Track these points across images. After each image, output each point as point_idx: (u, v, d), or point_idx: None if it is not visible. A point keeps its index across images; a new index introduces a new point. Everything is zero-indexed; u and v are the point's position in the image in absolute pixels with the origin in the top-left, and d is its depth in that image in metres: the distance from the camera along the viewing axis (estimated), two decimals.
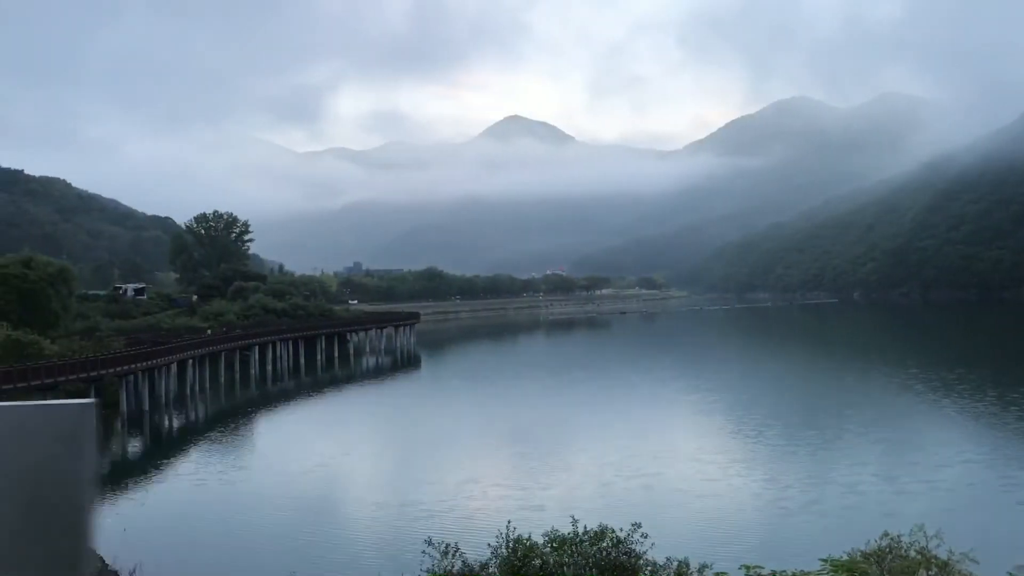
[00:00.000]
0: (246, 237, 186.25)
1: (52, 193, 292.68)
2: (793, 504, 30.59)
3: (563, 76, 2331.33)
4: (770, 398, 63.94)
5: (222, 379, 79.46)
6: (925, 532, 17.73)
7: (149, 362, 59.09)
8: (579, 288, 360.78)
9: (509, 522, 16.99)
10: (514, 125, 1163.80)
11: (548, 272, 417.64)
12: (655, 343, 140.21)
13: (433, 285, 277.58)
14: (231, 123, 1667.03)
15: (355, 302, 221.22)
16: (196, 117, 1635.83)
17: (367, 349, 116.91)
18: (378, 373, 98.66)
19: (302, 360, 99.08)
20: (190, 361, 72.42)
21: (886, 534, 17.86)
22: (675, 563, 16.87)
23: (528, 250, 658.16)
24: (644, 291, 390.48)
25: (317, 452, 45.12)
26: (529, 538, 16.82)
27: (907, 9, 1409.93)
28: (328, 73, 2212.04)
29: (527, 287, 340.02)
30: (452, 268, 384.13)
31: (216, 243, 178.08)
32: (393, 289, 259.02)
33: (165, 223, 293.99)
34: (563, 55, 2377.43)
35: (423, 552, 17.43)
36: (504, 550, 16.65)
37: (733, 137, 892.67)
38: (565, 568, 16.46)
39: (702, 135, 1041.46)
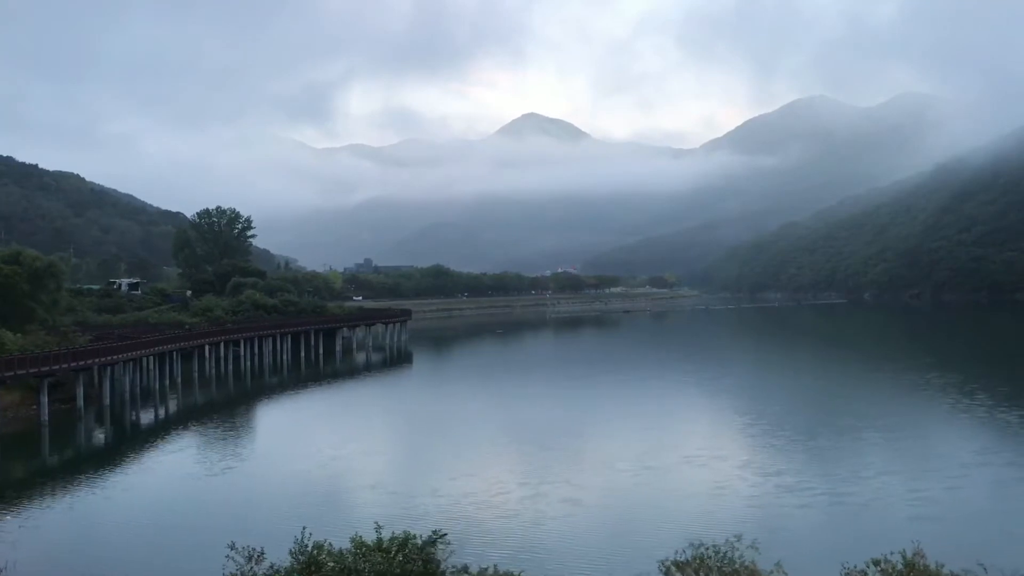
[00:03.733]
0: (249, 233, 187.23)
1: (65, 188, 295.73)
2: (661, 515, 30.27)
3: (570, 74, 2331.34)
4: (722, 401, 63.69)
5: (195, 375, 79.89)
6: (736, 543, 17.68)
7: (108, 357, 59.50)
8: (588, 286, 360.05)
9: (304, 528, 16.96)
10: (530, 122, 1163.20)
11: (559, 270, 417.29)
12: (644, 342, 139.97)
13: (440, 282, 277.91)
14: (248, 120, 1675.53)
15: (359, 298, 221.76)
16: (213, 115, 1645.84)
17: (354, 346, 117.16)
18: (363, 370, 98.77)
19: (285, 357, 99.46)
20: (161, 356, 73.00)
21: (700, 544, 17.79)
22: (476, 569, 16.84)
23: (542, 248, 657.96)
24: (654, 290, 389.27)
25: (251, 456, 45.17)
26: (327, 543, 16.76)
27: (908, 8, 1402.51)
28: (340, 71, 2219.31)
29: (535, 285, 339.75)
30: (467, 265, 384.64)
31: (219, 239, 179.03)
32: (399, 286, 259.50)
33: (176, 218, 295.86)
34: (568, 53, 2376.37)
35: (227, 556, 17.44)
36: (302, 556, 16.62)
37: (749, 136, 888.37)
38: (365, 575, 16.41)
39: (713, 134, 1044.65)
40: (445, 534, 17.04)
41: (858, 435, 46.33)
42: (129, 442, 51.22)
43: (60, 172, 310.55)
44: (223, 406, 67.43)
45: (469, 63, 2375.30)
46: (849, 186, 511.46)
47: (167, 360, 73.22)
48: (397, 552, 16.91)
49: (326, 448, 45.47)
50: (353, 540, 16.96)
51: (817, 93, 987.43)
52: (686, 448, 42.76)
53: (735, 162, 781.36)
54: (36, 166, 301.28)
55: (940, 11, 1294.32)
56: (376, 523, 17.36)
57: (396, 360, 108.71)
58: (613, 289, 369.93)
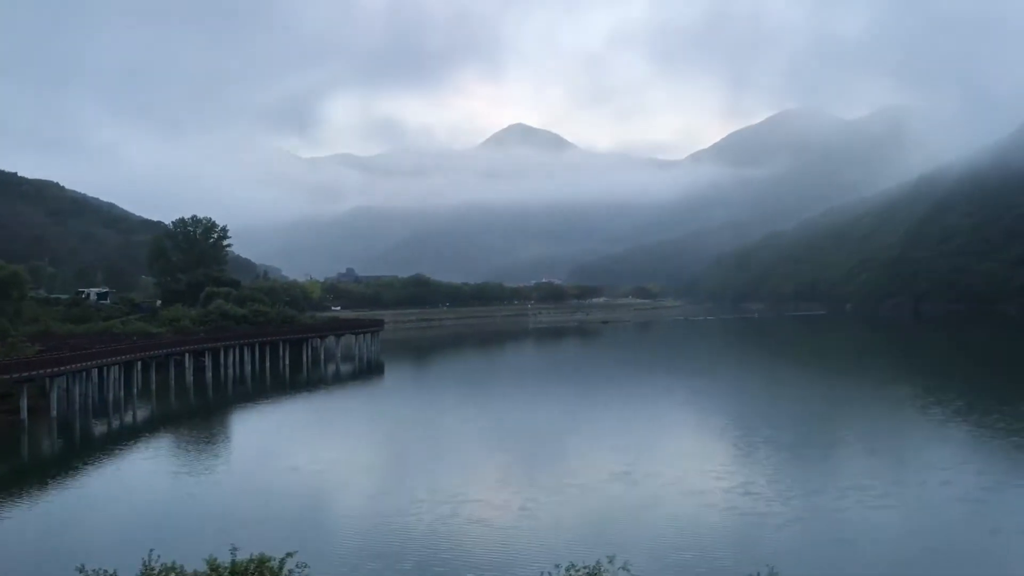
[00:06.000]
0: (225, 242, 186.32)
1: (44, 196, 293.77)
2: (561, 536, 29.73)
3: (549, 86, 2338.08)
4: (672, 415, 63.42)
5: (153, 387, 78.98)
6: (608, 563, 17.31)
7: (55, 368, 58.71)
8: (570, 296, 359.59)
9: (152, 550, 16.45)
10: (516, 133, 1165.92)
11: (543, 280, 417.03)
12: (614, 354, 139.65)
13: (420, 292, 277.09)
14: (232, 129, 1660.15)
15: (337, 308, 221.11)
16: (197, 124, 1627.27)
17: (322, 357, 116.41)
18: (331, 382, 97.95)
19: (251, 368, 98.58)
20: (121, 367, 72.20)
21: (571, 565, 17.38)
22: None
23: (529, 258, 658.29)
24: (637, 300, 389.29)
25: (178, 474, 44.25)
26: (178, 566, 16.25)
27: (877, 21, 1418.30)
28: (322, 80, 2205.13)
29: (517, 295, 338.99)
30: (453, 275, 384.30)
31: (194, 248, 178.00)
32: (379, 296, 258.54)
33: (157, 227, 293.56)
34: (544, 66, 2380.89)
35: None
36: None
37: (734, 148, 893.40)
38: None
39: (698, 145, 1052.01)
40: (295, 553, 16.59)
41: (799, 452, 46.02)
42: (71, 456, 50.37)
43: (40, 180, 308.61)
44: (176, 419, 66.65)
45: (449, 73, 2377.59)
46: (833, 197, 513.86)
47: (122, 371, 72.28)
48: (252, 574, 16.47)
49: (255, 466, 44.90)
50: (208, 562, 16.49)
51: (791, 106, 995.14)
52: (621, 464, 42.13)
53: (720, 173, 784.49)
54: (15, 174, 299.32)
55: (909, 25, 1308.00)
56: (232, 545, 16.88)
57: (366, 371, 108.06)
58: (595, 299, 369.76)
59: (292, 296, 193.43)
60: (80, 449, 52.72)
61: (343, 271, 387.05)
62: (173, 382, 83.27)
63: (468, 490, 36.76)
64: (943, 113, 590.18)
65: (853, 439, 49.78)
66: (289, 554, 16.70)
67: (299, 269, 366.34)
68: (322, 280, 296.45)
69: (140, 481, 41.74)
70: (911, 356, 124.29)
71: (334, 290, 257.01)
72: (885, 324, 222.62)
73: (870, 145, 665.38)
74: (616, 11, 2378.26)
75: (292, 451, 49.43)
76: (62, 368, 59.83)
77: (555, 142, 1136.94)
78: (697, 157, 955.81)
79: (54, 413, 59.70)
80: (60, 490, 40.76)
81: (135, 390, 74.70)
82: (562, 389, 79.09)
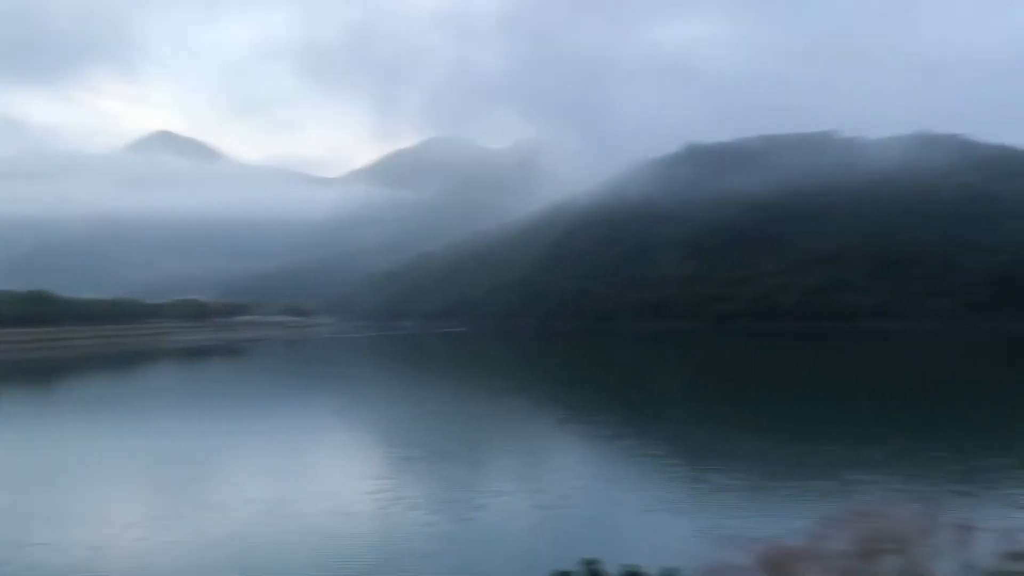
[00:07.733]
0: None
1: None
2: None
3: (194, 93, 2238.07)
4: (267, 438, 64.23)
5: None
6: None
7: None
8: (217, 314, 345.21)
9: None
10: (162, 140, 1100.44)
11: (188, 297, 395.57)
12: (246, 374, 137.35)
13: (42, 309, 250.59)
14: None
15: None
16: None
17: None
18: None
19: None
20: None
21: None
22: None
23: (172, 273, 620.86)
24: (289, 318, 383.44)
25: None
26: None
27: (515, 58, 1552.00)
28: None
29: (157, 312, 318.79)
30: (85, 291, 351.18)
31: None
32: None
33: None
34: (185, 72, 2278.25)
35: None
36: None
37: (389, 169, 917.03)
38: None
39: (353, 165, 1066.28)
40: None
41: (396, 463, 47.94)
42: None
43: None
44: None
45: (77, 70, 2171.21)
46: (478, 221, 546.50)
47: None
48: None
49: None
50: None
51: (440, 134, 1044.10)
52: (218, 491, 41.13)
53: (374, 193, 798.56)
54: None
55: (539, 62, 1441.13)
56: None
57: None
58: (244, 317, 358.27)
59: None
60: None
61: None
62: None
63: (32, 533, 33.38)
64: (569, 147, 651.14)
65: (450, 450, 51.83)
66: None
67: None
68: None
69: None
70: (530, 368, 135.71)
71: None
72: (518, 339, 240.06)
73: (510, 174, 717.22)
74: (259, 23, 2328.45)
75: None
76: None
77: (203, 151, 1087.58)
78: (352, 177, 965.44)
79: None
80: None
81: None
82: (180, 416, 75.56)
